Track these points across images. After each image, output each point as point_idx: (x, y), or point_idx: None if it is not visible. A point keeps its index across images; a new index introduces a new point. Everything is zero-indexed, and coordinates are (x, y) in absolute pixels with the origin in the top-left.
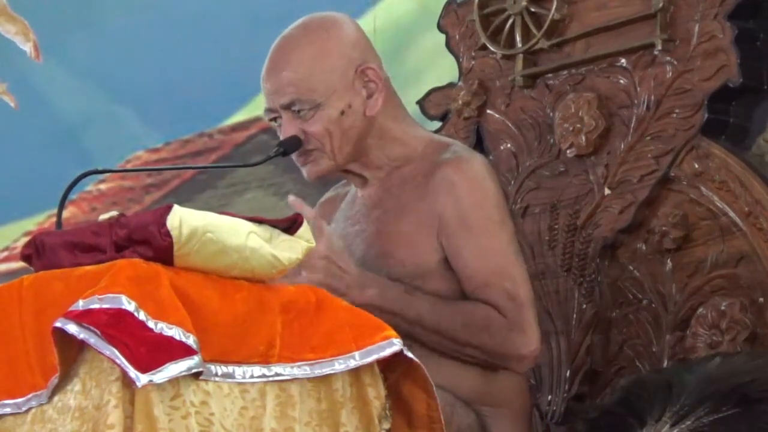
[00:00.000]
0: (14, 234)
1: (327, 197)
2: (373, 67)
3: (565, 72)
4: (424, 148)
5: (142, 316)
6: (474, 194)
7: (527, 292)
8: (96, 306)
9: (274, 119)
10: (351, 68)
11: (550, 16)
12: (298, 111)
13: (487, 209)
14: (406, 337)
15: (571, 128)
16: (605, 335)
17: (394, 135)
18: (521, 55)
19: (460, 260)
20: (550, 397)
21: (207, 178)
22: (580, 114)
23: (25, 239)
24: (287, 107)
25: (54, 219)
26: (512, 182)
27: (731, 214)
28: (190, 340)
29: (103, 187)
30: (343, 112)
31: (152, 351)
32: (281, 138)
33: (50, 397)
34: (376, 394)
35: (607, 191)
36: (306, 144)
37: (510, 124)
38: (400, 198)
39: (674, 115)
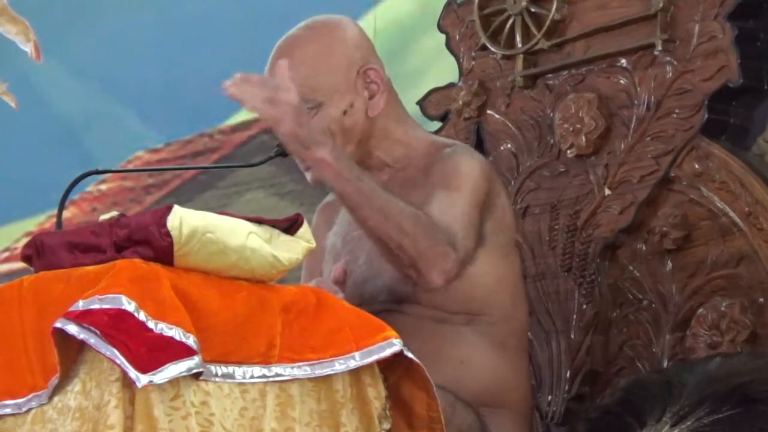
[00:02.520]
0: (15, 234)
1: (327, 201)
2: (375, 68)
3: (565, 72)
4: (426, 149)
5: (142, 316)
6: (462, 167)
7: (468, 243)
8: (96, 306)
9: None
10: (353, 69)
11: (550, 17)
12: None
13: (469, 181)
14: (351, 212)
15: (571, 128)
16: (605, 335)
17: (396, 137)
18: (521, 56)
19: (425, 208)
20: (550, 397)
21: (207, 178)
22: (580, 114)
23: (26, 240)
24: None
25: (54, 219)
26: (512, 182)
27: (731, 214)
28: (190, 341)
29: (103, 187)
30: (345, 112)
31: (152, 351)
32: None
33: (50, 398)
34: (376, 394)
35: (607, 191)
36: None
37: (510, 125)
38: (403, 199)
39: (674, 115)
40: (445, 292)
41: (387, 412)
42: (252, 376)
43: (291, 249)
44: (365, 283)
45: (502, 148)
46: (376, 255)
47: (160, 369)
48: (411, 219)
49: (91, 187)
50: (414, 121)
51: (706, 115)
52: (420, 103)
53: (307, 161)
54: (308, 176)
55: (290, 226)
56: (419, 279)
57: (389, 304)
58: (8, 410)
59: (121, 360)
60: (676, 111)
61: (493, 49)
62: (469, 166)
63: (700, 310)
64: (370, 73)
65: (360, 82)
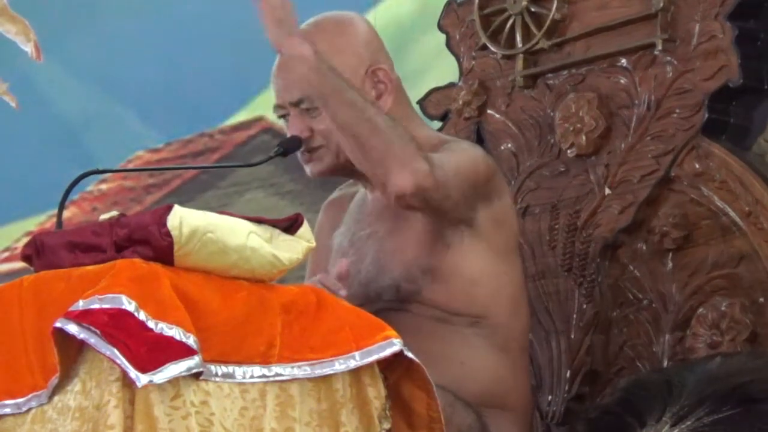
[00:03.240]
0: (15, 234)
1: (333, 198)
2: (383, 68)
3: (565, 72)
4: (432, 148)
5: (142, 316)
6: (462, 150)
7: (448, 175)
8: (96, 306)
9: (284, 116)
10: (362, 68)
11: (551, 16)
12: (307, 108)
13: (467, 158)
14: (325, 107)
15: (571, 128)
16: (605, 335)
17: None
18: (521, 55)
19: None
20: (550, 397)
21: (208, 178)
22: (580, 114)
23: (26, 239)
24: (296, 104)
25: (54, 219)
26: (512, 182)
27: (732, 214)
28: (190, 340)
29: (103, 187)
30: None
31: (152, 351)
32: (289, 134)
33: (50, 398)
34: (376, 394)
35: (607, 191)
36: (312, 141)
37: (510, 124)
38: None
39: (675, 115)
40: (447, 291)
41: (387, 412)
42: (252, 376)
43: (291, 249)
44: (371, 282)
45: (502, 147)
46: (383, 255)
47: (160, 369)
48: (387, 122)
49: (92, 186)
50: (422, 121)
51: (706, 115)
52: (420, 102)
53: (285, 50)
54: (308, 170)
55: (290, 226)
56: (388, 179)
57: (393, 303)
58: (8, 410)
59: (121, 360)
60: (677, 111)
61: (493, 48)
62: (471, 151)
63: (700, 309)
64: (378, 73)
65: (368, 82)
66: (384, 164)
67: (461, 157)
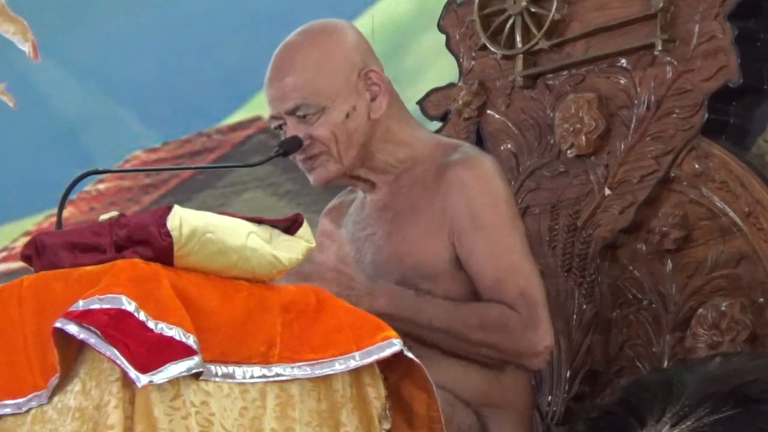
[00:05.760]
0: (13, 234)
1: (332, 205)
2: (375, 69)
3: (565, 72)
4: (431, 149)
5: (142, 316)
6: (485, 193)
7: (539, 289)
8: (96, 306)
9: (279, 127)
10: (354, 72)
11: (550, 17)
12: (303, 116)
13: (499, 207)
14: (418, 341)
15: (571, 128)
16: (605, 336)
17: (399, 137)
18: (521, 56)
19: (473, 259)
20: (550, 397)
21: (205, 178)
22: (580, 114)
23: (25, 239)
24: (292, 113)
25: (53, 219)
26: (512, 182)
27: (731, 214)
28: (190, 341)
29: (101, 187)
30: (348, 115)
31: (152, 351)
32: None
33: (50, 398)
34: (376, 394)
35: (607, 191)
36: (312, 148)
37: (510, 125)
38: (411, 200)
39: (674, 115)
40: (445, 294)
41: (387, 412)
42: (252, 376)
43: (291, 249)
44: None
45: (502, 148)
46: (382, 256)
47: (160, 369)
48: (477, 329)
49: (89, 186)
50: (416, 122)
51: (706, 115)
52: (420, 103)
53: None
54: (312, 178)
55: (290, 226)
56: (520, 361)
57: None
58: (8, 410)
59: (121, 360)
60: (676, 111)
61: (493, 49)
62: (491, 182)
63: (700, 310)
64: (371, 75)
65: (361, 85)
66: (509, 361)
67: (502, 216)
